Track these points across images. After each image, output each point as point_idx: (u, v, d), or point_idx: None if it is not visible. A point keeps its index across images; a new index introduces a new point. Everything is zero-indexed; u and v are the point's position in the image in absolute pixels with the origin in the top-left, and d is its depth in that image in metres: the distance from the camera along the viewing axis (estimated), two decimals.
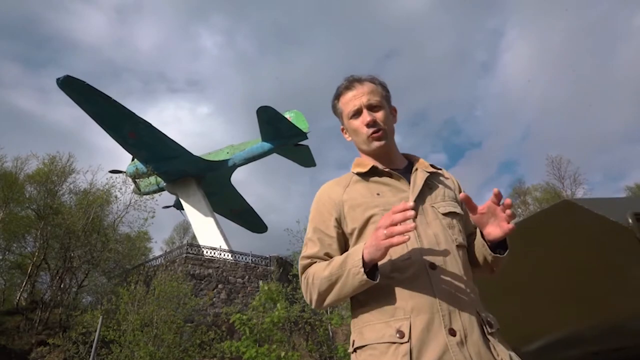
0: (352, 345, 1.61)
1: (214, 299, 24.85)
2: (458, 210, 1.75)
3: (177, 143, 30.12)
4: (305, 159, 33.92)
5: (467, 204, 1.59)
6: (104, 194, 28.89)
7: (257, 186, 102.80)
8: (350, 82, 1.90)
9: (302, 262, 1.81)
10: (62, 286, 26.16)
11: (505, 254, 1.63)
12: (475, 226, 1.72)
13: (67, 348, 18.38)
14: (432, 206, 1.72)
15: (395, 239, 1.42)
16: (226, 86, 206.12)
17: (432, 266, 1.56)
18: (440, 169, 1.92)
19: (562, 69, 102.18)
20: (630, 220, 2.93)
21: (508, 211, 1.54)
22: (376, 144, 1.81)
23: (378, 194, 1.75)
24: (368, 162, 1.85)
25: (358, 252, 1.55)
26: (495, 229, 1.57)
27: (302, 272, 1.77)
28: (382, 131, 1.82)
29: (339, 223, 1.77)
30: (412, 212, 1.42)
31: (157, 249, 50.37)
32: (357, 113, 1.85)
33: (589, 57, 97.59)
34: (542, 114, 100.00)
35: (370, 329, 1.55)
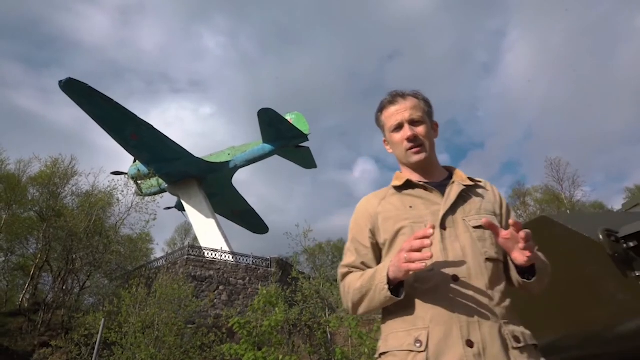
0: (378, 351, 1.68)
1: (215, 301, 24.97)
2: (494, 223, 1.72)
3: (178, 145, 30.26)
4: (306, 160, 34.05)
5: (491, 229, 1.63)
6: (106, 196, 29.07)
7: (259, 187, 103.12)
8: (394, 97, 1.96)
9: (340, 271, 1.90)
10: (64, 288, 26.23)
11: (532, 280, 1.64)
12: None
13: (69, 350, 18.39)
14: (464, 219, 1.74)
15: (413, 266, 1.48)
16: (228, 87, 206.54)
17: (455, 278, 1.60)
18: (481, 181, 1.94)
19: (563, 70, 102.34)
20: (601, 237, 3.12)
21: (521, 244, 1.55)
22: (415, 157, 1.88)
23: (410, 207, 1.81)
24: (404, 176, 1.92)
25: (384, 269, 1.63)
26: (519, 256, 1.58)
27: (341, 280, 1.87)
28: (422, 146, 1.87)
29: (373, 234, 1.85)
30: (428, 242, 1.48)
31: (158, 250, 50.54)
32: (399, 127, 1.91)
33: (590, 57, 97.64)
34: (543, 114, 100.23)
35: (393, 337, 1.63)
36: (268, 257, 29.46)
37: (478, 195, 1.86)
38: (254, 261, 29.01)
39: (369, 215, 1.89)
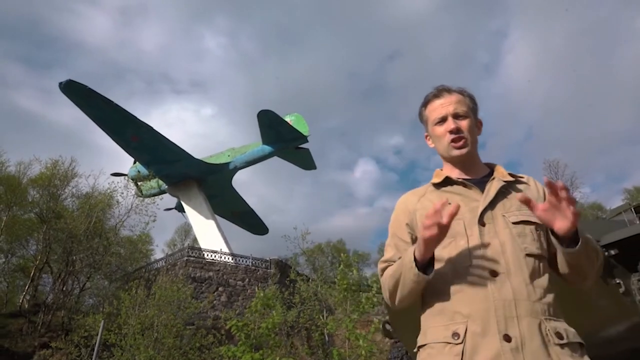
0: (417, 344, 1.71)
1: (215, 302, 25.09)
2: (534, 219, 1.69)
3: (178, 146, 30.37)
4: (305, 161, 34.15)
5: (527, 205, 1.57)
6: (105, 198, 29.17)
7: (260, 187, 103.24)
8: (439, 91, 1.95)
9: (380, 266, 1.92)
10: (64, 289, 26.33)
11: (578, 247, 1.55)
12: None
13: (69, 351, 18.52)
14: (504, 215, 1.73)
15: (427, 232, 1.55)
16: (229, 87, 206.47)
17: (494, 274, 1.59)
18: (523, 177, 1.91)
19: (564, 70, 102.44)
20: None
21: (563, 193, 1.49)
22: (456, 152, 1.87)
23: (449, 203, 1.71)
24: (444, 173, 1.92)
25: (411, 249, 1.67)
26: (563, 222, 1.52)
27: (381, 275, 1.89)
28: (464, 140, 1.87)
29: (412, 229, 1.87)
30: (439, 205, 1.54)
31: (158, 251, 50.65)
32: (442, 120, 1.90)
33: (591, 58, 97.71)
34: (544, 115, 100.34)
35: (432, 331, 1.65)
36: (267, 259, 29.60)
37: (519, 191, 1.82)
38: (253, 262, 29.15)
39: (407, 211, 1.91)
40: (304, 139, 31.76)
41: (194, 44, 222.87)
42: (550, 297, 1.60)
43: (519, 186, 1.85)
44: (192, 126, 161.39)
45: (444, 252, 1.70)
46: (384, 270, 1.87)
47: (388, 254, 1.90)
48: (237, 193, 36.30)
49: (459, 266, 1.66)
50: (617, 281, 5.07)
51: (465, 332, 1.53)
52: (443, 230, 1.56)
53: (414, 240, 1.83)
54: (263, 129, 30.13)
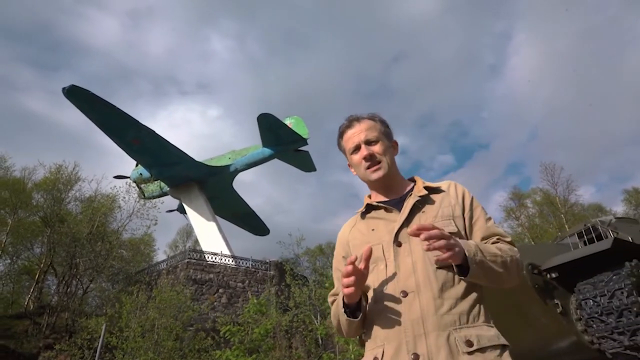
0: None
1: (215, 304, 25.45)
2: (447, 229, 1.72)
3: (179, 149, 30.60)
4: (305, 164, 34.27)
5: (416, 237, 1.58)
6: (108, 201, 29.63)
7: (265, 188, 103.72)
8: (350, 122, 2.04)
9: (329, 299, 2.04)
10: (68, 291, 26.68)
11: (469, 275, 1.60)
12: (489, 235, 1.84)
13: (73, 353, 18.79)
14: None
15: (346, 290, 1.65)
16: (235, 89, 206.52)
17: (404, 294, 1.64)
18: (441, 186, 1.95)
19: (569, 71, 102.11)
20: (524, 271, 3.60)
21: (425, 247, 1.55)
22: (373, 175, 1.94)
23: (373, 230, 1.88)
24: (366, 200, 2.01)
25: (341, 295, 1.76)
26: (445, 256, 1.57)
27: (331, 309, 1.97)
28: (379, 163, 1.95)
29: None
30: (350, 267, 1.61)
31: (160, 253, 51.06)
32: (357, 149, 1.99)
33: (596, 59, 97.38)
34: (549, 116, 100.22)
35: (365, 356, 1.72)
36: (267, 261, 29.89)
37: (434, 202, 1.88)
38: (253, 264, 29.43)
39: (342, 244, 2.03)
40: (304, 141, 31.91)
41: (201, 46, 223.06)
42: (464, 305, 1.63)
43: (437, 197, 1.90)
44: (198, 127, 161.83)
45: (369, 278, 1.75)
46: (332, 303, 1.96)
47: (335, 287, 2.04)
48: (238, 195, 36.51)
49: (378, 290, 1.73)
50: (556, 302, 5.44)
51: (382, 356, 1.61)
52: (362, 279, 1.66)
53: None
54: (263, 132, 30.32)
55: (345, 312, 1.74)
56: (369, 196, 2.07)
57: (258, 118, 29.13)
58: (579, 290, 5.69)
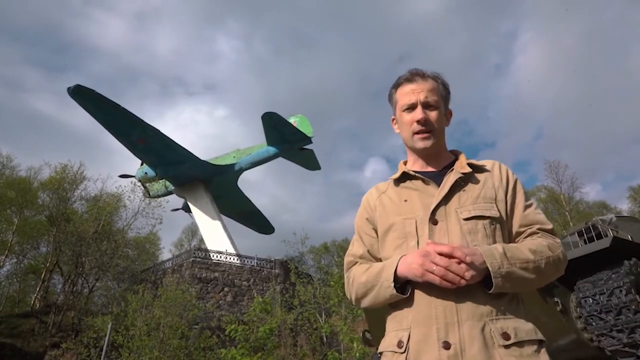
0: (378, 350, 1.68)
1: (220, 302, 25.56)
2: (488, 213, 1.64)
3: (184, 148, 30.72)
4: (309, 162, 34.34)
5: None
6: (114, 200, 29.79)
7: (272, 187, 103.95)
8: (413, 75, 1.84)
9: (346, 259, 1.87)
10: (74, 290, 26.84)
11: (492, 290, 1.46)
12: (528, 224, 1.69)
13: (79, 351, 18.89)
14: (457, 210, 1.64)
15: (429, 276, 1.46)
16: (242, 89, 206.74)
17: None
18: (485, 164, 1.81)
19: (574, 71, 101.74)
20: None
21: (451, 261, 1.45)
22: (420, 144, 1.78)
23: (405, 201, 1.74)
24: (404, 167, 1.85)
25: (392, 265, 1.58)
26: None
27: (346, 270, 1.84)
28: (430, 132, 1.78)
29: (372, 223, 1.83)
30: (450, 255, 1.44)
31: (166, 252, 51.27)
32: (412, 107, 1.80)
33: (602, 58, 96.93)
34: (555, 115, 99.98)
35: (387, 337, 1.62)
36: (272, 259, 29.98)
37: (478, 181, 1.74)
38: (258, 263, 29.51)
39: (369, 207, 1.87)
40: (308, 140, 31.98)
41: (208, 47, 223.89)
42: (502, 295, 1.52)
43: (480, 176, 1.77)
44: (205, 127, 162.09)
45: (395, 253, 1.65)
46: (350, 264, 1.84)
47: (355, 248, 1.87)
48: (243, 193, 36.60)
49: None
50: (556, 300, 5.48)
51: (408, 340, 1.51)
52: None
53: (376, 232, 1.81)
54: (267, 131, 30.37)
55: (395, 286, 1.56)
56: (405, 162, 1.92)
57: (262, 117, 29.19)
58: (579, 288, 5.74)
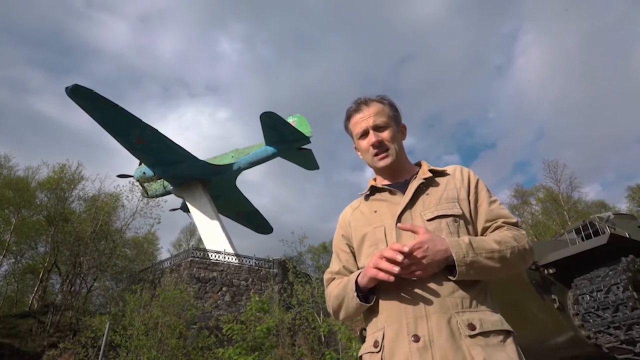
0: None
1: (219, 302, 25.51)
2: (450, 211, 1.73)
3: (183, 148, 30.62)
4: (308, 162, 34.25)
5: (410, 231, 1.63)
6: (111, 200, 29.75)
7: (272, 187, 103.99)
8: (358, 105, 1.96)
9: (325, 277, 1.97)
10: (72, 290, 26.78)
11: (456, 277, 1.55)
12: (493, 218, 1.78)
13: (77, 351, 18.88)
14: (421, 213, 1.74)
15: (381, 274, 1.53)
16: (244, 91, 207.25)
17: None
18: (446, 169, 1.93)
19: (576, 71, 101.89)
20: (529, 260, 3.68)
21: (406, 260, 1.52)
22: (381, 163, 1.90)
23: (375, 212, 1.85)
24: (371, 183, 1.97)
25: (355, 276, 1.71)
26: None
27: (326, 286, 1.94)
28: (387, 150, 1.90)
29: (348, 240, 1.93)
30: (400, 257, 1.49)
31: (164, 251, 51.20)
32: (365, 134, 1.93)
33: (603, 58, 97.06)
34: (556, 115, 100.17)
35: (367, 340, 1.69)
36: (270, 259, 29.94)
37: (439, 185, 1.85)
38: (257, 262, 29.44)
39: (344, 224, 1.97)
40: (307, 139, 31.90)
41: (210, 49, 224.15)
42: (467, 289, 1.59)
43: (442, 180, 1.87)
44: (207, 129, 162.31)
45: (367, 261, 1.68)
46: (328, 281, 1.93)
47: (333, 265, 1.97)
48: (242, 193, 36.53)
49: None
50: (553, 297, 5.47)
51: (383, 339, 1.58)
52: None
53: (351, 249, 1.91)
54: (266, 131, 30.31)
55: (357, 295, 1.66)
56: (374, 179, 2.02)
57: (261, 116, 29.13)
58: (576, 285, 5.73)
